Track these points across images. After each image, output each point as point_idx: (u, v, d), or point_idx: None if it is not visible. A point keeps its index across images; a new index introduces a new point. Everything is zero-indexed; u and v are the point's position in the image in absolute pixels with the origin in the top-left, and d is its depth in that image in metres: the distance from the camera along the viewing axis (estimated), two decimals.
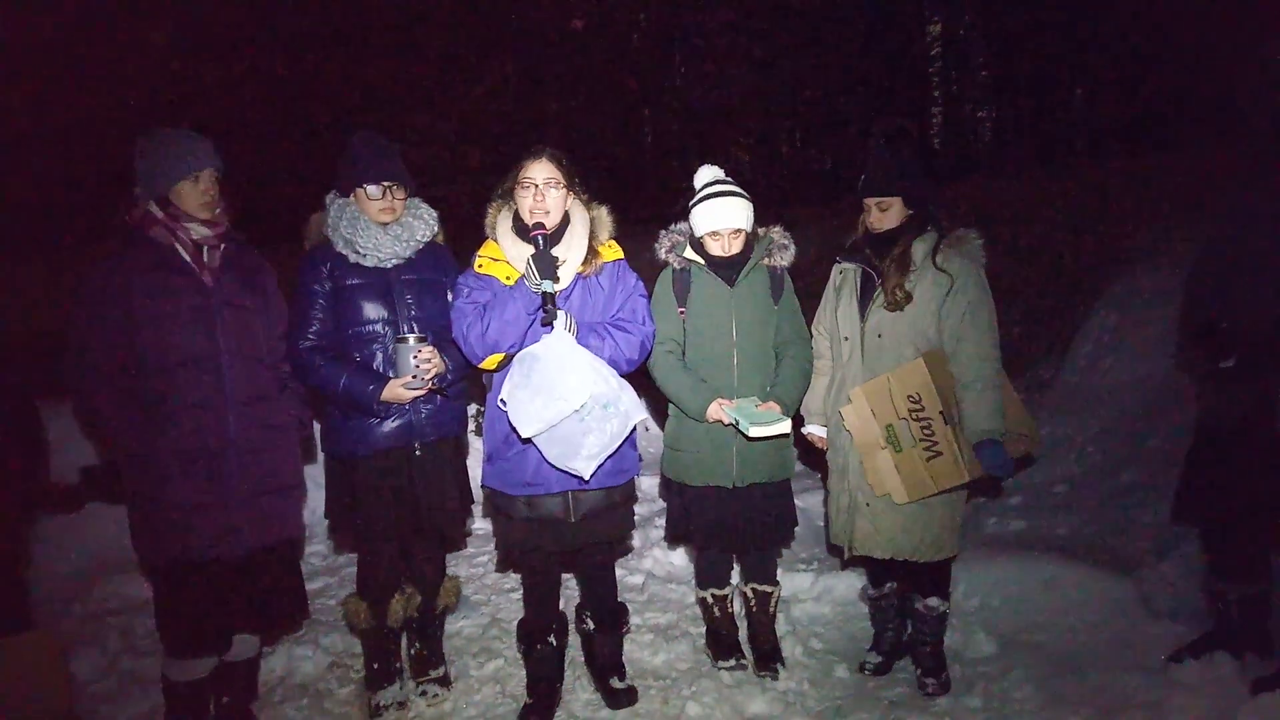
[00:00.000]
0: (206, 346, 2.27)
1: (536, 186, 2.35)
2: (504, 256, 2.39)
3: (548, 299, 2.25)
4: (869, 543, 2.67)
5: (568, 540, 2.52)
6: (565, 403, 2.22)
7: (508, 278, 2.36)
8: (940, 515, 2.62)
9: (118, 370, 2.23)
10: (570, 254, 2.39)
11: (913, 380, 2.49)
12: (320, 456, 2.67)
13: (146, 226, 2.27)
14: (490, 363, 2.36)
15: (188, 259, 2.29)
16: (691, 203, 2.70)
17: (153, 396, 2.23)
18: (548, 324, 2.27)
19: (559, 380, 2.23)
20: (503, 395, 2.30)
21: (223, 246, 2.36)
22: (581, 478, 2.33)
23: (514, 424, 2.26)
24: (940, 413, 2.46)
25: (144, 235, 2.27)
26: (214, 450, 2.27)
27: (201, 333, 2.27)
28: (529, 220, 2.34)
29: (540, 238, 2.30)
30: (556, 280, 2.29)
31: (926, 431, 2.49)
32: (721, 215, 2.61)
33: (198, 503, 2.25)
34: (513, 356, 2.34)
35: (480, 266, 2.40)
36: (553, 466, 2.34)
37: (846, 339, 2.68)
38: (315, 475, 2.91)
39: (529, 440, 2.30)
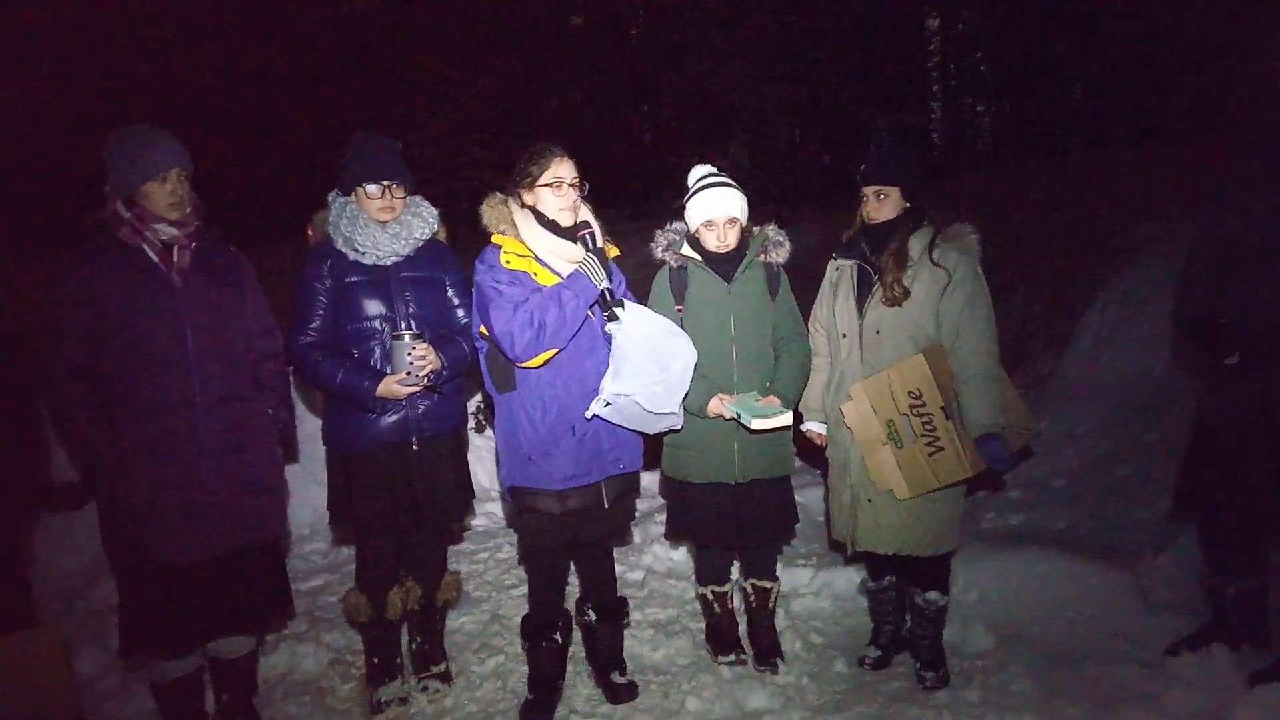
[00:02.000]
0: (175, 348, 2.22)
1: (572, 185, 2.38)
2: (529, 253, 2.37)
3: (609, 294, 2.31)
4: (871, 538, 2.67)
5: (598, 528, 2.56)
6: (683, 361, 2.35)
7: (535, 274, 2.35)
8: (940, 510, 2.62)
9: (87, 372, 2.19)
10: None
11: (913, 376, 2.49)
12: (301, 455, 2.67)
13: (115, 226, 2.23)
14: (538, 360, 2.32)
15: (155, 260, 2.24)
16: (686, 197, 2.71)
17: (122, 399, 2.19)
18: (613, 317, 2.30)
19: (664, 348, 2.33)
20: (607, 399, 2.34)
21: (193, 246, 2.30)
22: (676, 429, 2.52)
23: (658, 404, 2.32)
24: (941, 408, 2.46)
25: (113, 235, 2.23)
26: (184, 453, 2.23)
27: (169, 334, 2.22)
28: (560, 218, 2.38)
29: (590, 236, 2.36)
30: (609, 276, 2.37)
31: (928, 427, 2.49)
32: (715, 204, 2.62)
33: (170, 505, 2.21)
34: (558, 353, 2.34)
35: (509, 263, 2.34)
36: (645, 435, 2.49)
37: (845, 336, 2.67)
38: (316, 473, 2.91)
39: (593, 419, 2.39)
